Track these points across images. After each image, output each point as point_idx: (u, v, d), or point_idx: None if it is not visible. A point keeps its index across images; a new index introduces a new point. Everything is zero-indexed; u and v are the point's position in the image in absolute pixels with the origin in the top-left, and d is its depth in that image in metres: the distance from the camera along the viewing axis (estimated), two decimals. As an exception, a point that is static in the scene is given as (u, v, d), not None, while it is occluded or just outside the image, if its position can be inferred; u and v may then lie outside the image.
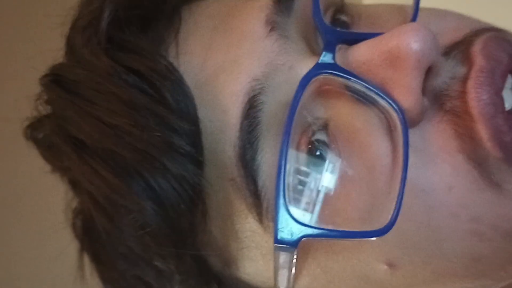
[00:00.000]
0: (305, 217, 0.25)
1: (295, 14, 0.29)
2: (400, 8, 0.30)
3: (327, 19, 0.29)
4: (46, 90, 0.30)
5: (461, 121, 0.25)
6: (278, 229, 0.23)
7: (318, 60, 0.26)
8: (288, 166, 0.25)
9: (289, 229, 0.24)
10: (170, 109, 0.26)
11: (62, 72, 0.28)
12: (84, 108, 0.27)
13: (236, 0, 0.31)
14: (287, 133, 0.24)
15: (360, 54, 0.26)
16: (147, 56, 0.27)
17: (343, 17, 0.30)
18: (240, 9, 0.29)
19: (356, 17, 0.30)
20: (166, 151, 0.26)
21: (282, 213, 0.24)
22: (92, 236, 0.32)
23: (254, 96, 0.26)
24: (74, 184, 0.32)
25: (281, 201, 0.23)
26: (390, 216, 0.24)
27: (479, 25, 0.28)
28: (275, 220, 0.23)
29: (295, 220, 0.23)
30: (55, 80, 0.29)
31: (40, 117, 0.32)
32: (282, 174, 0.23)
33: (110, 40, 0.27)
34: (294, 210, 0.25)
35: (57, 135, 0.29)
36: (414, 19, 0.28)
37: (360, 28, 0.30)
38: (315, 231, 0.24)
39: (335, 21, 0.30)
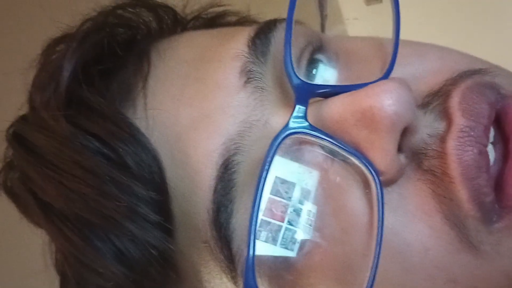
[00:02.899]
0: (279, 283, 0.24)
1: (271, 58, 0.27)
2: (380, 45, 0.29)
3: (304, 59, 0.28)
4: (11, 146, 0.29)
5: (439, 182, 0.24)
6: None
7: (290, 117, 0.25)
8: (260, 234, 0.24)
9: None
10: (134, 177, 0.25)
11: (24, 133, 0.27)
12: (47, 172, 0.26)
13: (208, 41, 0.30)
14: (255, 213, 0.23)
15: (333, 112, 0.25)
16: (109, 118, 0.25)
17: (320, 56, 0.29)
18: (213, 54, 0.28)
19: (333, 55, 0.29)
20: (132, 219, 0.25)
21: None
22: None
23: (229, 158, 0.25)
24: (49, 235, 0.31)
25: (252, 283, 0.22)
26: (365, 281, 0.23)
27: (461, 67, 0.26)
28: None
29: None
30: (18, 140, 0.28)
31: (9, 163, 0.31)
32: (251, 258, 0.22)
33: (70, 100, 0.26)
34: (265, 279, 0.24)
35: (24, 193, 0.28)
36: (391, 67, 0.26)
37: (338, 70, 0.28)
38: None
39: (312, 60, 0.28)
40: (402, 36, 0.27)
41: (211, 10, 0.38)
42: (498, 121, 0.25)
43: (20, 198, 0.30)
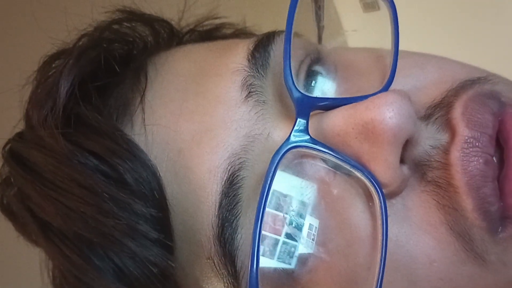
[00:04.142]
0: None
1: (271, 71, 0.27)
2: (378, 56, 0.29)
3: (302, 72, 0.28)
4: (7, 165, 0.28)
5: (444, 192, 0.24)
6: None
7: (291, 131, 0.24)
8: (263, 250, 0.24)
9: None
10: (133, 194, 0.24)
11: (21, 151, 0.27)
12: (46, 190, 0.25)
13: (206, 54, 0.30)
14: (257, 228, 0.22)
15: (335, 125, 0.24)
16: (107, 135, 0.25)
17: (319, 68, 0.29)
18: (212, 68, 0.28)
19: (332, 67, 0.29)
20: (132, 236, 0.24)
21: None
22: None
23: (234, 173, 0.25)
24: (46, 253, 0.31)
25: None
26: None
27: (461, 76, 0.26)
28: None
29: None
30: (15, 158, 0.27)
31: (5, 181, 0.31)
32: (255, 274, 0.22)
33: (67, 118, 0.26)
34: None
35: (23, 211, 0.28)
36: (391, 78, 0.26)
37: (336, 82, 0.28)
38: None
39: (310, 72, 0.28)
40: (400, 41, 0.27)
41: (206, 22, 0.38)
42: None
43: (18, 216, 0.29)
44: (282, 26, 0.28)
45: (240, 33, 0.38)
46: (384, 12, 0.28)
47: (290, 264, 0.24)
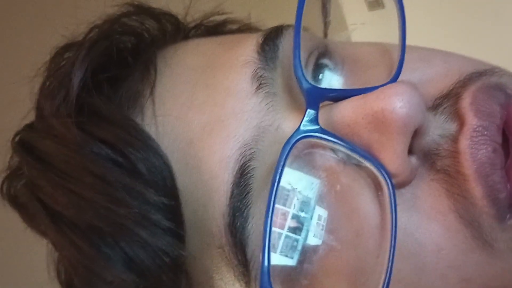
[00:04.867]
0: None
1: (280, 64, 0.27)
2: (385, 50, 0.29)
3: (310, 65, 0.28)
4: (18, 155, 0.29)
5: (453, 180, 0.24)
6: None
7: (301, 121, 0.25)
8: (274, 239, 0.24)
9: None
10: (145, 183, 0.24)
11: (33, 141, 0.27)
12: (57, 180, 0.26)
13: (215, 48, 0.30)
14: (269, 214, 0.23)
15: (344, 115, 0.25)
16: (119, 125, 0.25)
17: (327, 61, 0.29)
18: (222, 61, 0.28)
19: (339, 60, 0.29)
20: (143, 225, 0.25)
21: None
22: None
23: (245, 163, 0.25)
24: (54, 245, 0.31)
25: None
26: (380, 283, 0.23)
27: (467, 69, 0.27)
28: None
29: None
30: (26, 148, 0.27)
31: (13, 172, 0.31)
32: (267, 264, 0.22)
33: (80, 108, 0.26)
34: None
35: (32, 202, 0.28)
36: (399, 70, 0.26)
37: (344, 75, 0.29)
38: None
39: (318, 65, 0.29)
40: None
41: (212, 18, 0.38)
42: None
43: (27, 207, 0.29)
44: (287, 22, 0.29)
45: (245, 29, 0.38)
46: (388, 10, 0.29)
47: (299, 254, 0.25)
